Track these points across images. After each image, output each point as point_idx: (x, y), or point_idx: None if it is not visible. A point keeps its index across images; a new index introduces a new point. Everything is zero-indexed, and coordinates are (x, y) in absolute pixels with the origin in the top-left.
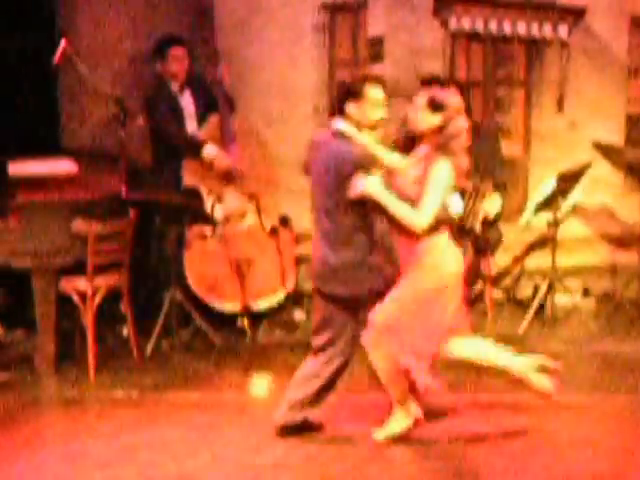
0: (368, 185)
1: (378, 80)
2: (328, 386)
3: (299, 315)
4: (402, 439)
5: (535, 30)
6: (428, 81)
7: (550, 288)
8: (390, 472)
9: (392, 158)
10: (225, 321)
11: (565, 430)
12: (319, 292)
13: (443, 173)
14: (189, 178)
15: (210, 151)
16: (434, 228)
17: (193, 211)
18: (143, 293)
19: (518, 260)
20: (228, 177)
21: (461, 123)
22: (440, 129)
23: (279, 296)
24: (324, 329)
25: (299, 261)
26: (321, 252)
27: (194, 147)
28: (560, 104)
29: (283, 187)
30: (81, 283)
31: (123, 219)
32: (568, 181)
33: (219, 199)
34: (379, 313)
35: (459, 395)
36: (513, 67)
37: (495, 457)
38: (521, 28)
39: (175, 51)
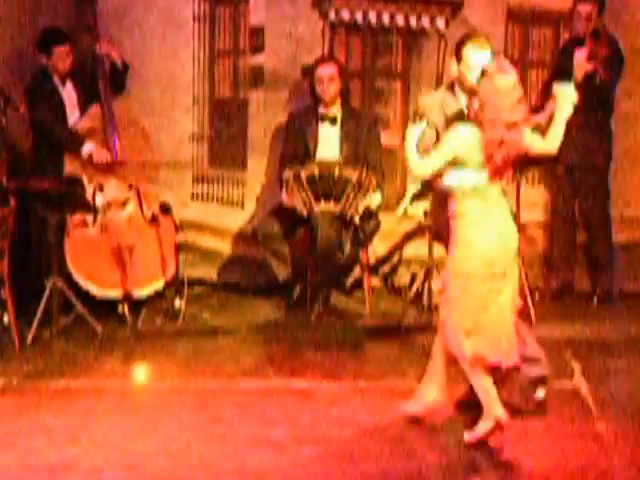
0: None
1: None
2: None
3: (179, 303)
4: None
5: (413, 22)
6: (308, 71)
7: (427, 275)
8: (270, 458)
9: None
10: (106, 308)
11: None
12: None
13: None
14: (70, 166)
15: (89, 148)
16: None
17: (74, 199)
18: (24, 280)
19: (396, 248)
20: (109, 166)
21: None
22: None
23: (159, 284)
24: None
25: (179, 249)
26: None
27: (74, 144)
28: None
29: (163, 176)
30: None
31: (3, 206)
32: None
33: (100, 187)
34: None
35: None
36: (392, 58)
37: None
38: (400, 20)
39: (60, 49)
